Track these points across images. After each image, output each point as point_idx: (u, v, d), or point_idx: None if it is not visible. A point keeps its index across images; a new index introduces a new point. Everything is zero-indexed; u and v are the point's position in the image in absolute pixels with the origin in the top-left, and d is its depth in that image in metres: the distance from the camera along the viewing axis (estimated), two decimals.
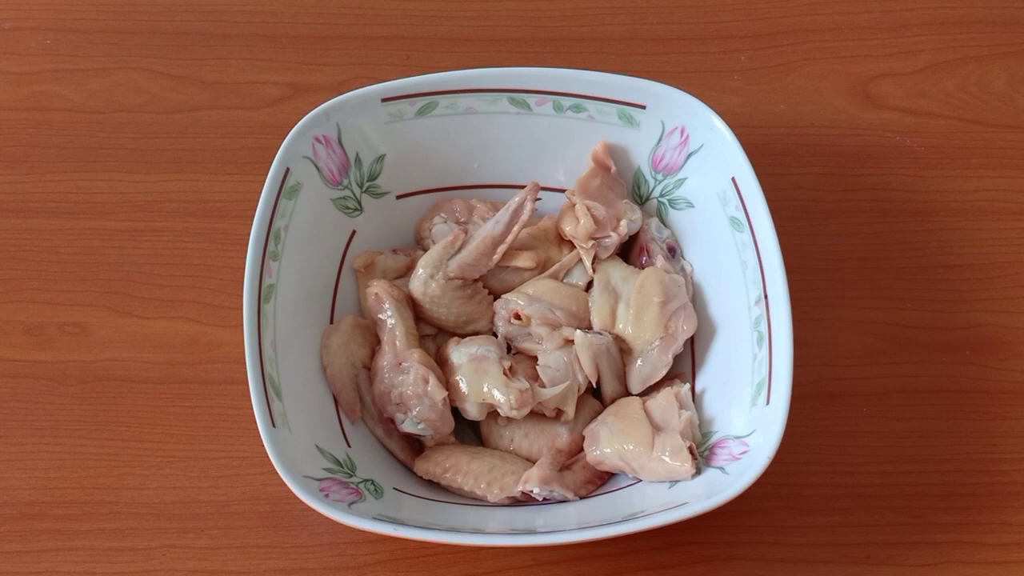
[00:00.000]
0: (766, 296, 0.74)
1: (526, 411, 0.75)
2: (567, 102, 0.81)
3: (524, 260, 0.80)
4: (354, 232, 0.81)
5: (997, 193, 0.90)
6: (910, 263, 0.87)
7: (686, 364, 0.79)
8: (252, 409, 0.71)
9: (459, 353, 0.77)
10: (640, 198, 0.83)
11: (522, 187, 0.80)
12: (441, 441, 0.77)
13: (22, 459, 0.79)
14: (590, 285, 0.80)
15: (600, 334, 0.77)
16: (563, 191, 0.82)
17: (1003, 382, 0.82)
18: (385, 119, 0.80)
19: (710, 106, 0.78)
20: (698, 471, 0.72)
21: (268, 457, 0.70)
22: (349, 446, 0.76)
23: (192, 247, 0.87)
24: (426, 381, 0.75)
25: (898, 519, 0.78)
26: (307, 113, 0.78)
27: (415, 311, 0.80)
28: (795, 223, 0.86)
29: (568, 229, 0.80)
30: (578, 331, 0.77)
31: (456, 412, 0.77)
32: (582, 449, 0.76)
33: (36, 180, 0.89)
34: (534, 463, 0.75)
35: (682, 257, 0.81)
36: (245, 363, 0.72)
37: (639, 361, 0.78)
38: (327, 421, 0.76)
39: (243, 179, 0.88)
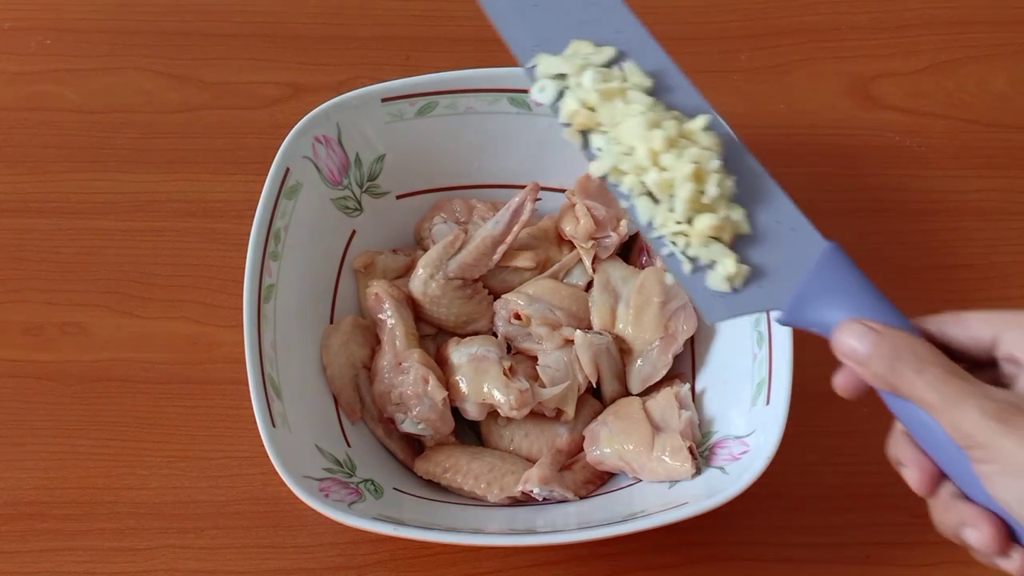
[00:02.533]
0: None
1: (526, 411, 0.75)
2: None
3: (524, 260, 0.80)
4: (354, 232, 0.81)
5: (997, 193, 0.90)
6: (910, 263, 0.87)
7: (686, 364, 0.79)
8: (252, 409, 0.71)
9: (459, 353, 0.77)
10: None
11: (522, 187, 0.80)
12: (441, 441, 0.77)
13: (22, 459, 0.79)
14: (590, 285, 0.80)
15: (600, 334, 0.77)
16: (563, 191, 0.82)
17: None
18: (385, 119, 0.80)
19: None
20: (698, 471, 0.72)
21: (268, 457, 0.70)
22: (349, 446, 0.76)
23: (192, 247, 0.87)
24: (426, 381, 0.75)
25: (898, 519, 0.78)
26: (307, 113, 0.78)
27: (415, 311, 0.80)
28: None
29: (568, 229, 0.80)
30: (578, 331, 0.77)
31: (456, 412, 0.77)
32: (582, 449, 0.77)
33: (36, 180, 0.89)
34: (534, 463, 0.75)
35: None
36: (245, 363, 0.72)
37: (639, 361, 0.78)
38: (327, 421, 0.76)
39: (243, 179, 0.88)
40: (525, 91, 0.80)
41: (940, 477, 0.57)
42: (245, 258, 0.74)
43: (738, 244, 0.62)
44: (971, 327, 0.57)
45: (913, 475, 0.57)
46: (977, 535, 0.55)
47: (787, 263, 0.61)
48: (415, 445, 0.79)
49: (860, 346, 0.56)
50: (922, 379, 0.54)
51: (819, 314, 0.59)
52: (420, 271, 0.79)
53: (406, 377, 0.76)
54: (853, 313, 0.58)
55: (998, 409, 0.52)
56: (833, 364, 0.61)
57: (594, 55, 0.66)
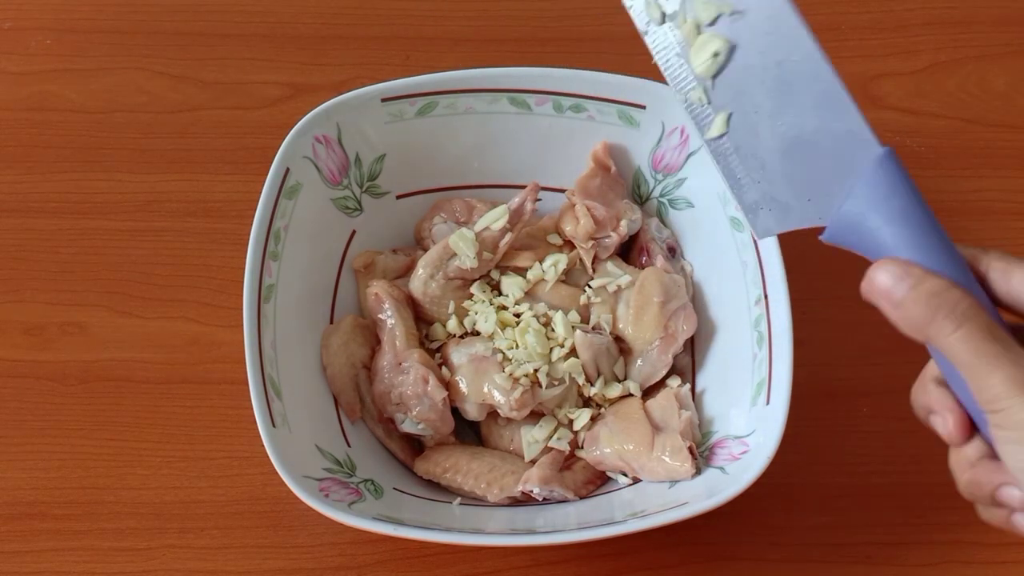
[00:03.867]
0: (766, 296, 0.74)
1: (526, 411, 0.75)
2: (567, 102, 0.81)
3: (524, 260, 0.80)
4: (354, 232, 0.81)
5: (997, 193, 0.90)
6: None
7: (686, 364, 0.79)
8: (252, 409, 0.71)
9: (459, 353, 0.77)
10: (640, 198, 0.83)
11: (522, 187, 0.80)
12: (441, 441, 0.77)
13: (22, 459, 0.79)
14: (590, 285, 0.80)
15: (600, 334, 0.77)
16: (563, 191, 0.82)
17: None
18: (385, 119, 0.80)
19: None
20: (698, 471, 0.72)
21: (268, 457, 0.70)
22: (349, 446, 0.76)
23: (192, 247, 0.87)
24: (426, 381, 0.75)
25: (898, 519, 0.78)
26: (307, 113, 0.78)
27: (415, 311, 0.80)
28: None
29: (568, 229, 0.80)
30: (578, 331, 0.77)
31: (456, 412, 0.77)
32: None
33: (36, 180, 0.89)
34: (534, 463, 0.75)
35: (682, 257, 0.81)
36: (245, 363, 0.72)
37: (639, 361, 0.78)
38: (327, 421, 0.76)
39: (243, 179, 0.88)
40: (525, 91, 0.80)
41: (971, 426, 0.56)
42: (245, 258, 0.74)
43: (790, 148, 0.58)
44: (1013, 285, 0.55)
45: (946, 422, 0.56)
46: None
47: (838, 172, 0.57)
48: (415, 445, 0.79)
49: (896, 288, 0.54)
50: (956, 336, 0.53)
51: (864, 236, 0.56)
52: (420, 271, 0.79)
53: (406, 377, 0.76)
54: (900, 239, 0.55)
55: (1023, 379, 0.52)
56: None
57: None
